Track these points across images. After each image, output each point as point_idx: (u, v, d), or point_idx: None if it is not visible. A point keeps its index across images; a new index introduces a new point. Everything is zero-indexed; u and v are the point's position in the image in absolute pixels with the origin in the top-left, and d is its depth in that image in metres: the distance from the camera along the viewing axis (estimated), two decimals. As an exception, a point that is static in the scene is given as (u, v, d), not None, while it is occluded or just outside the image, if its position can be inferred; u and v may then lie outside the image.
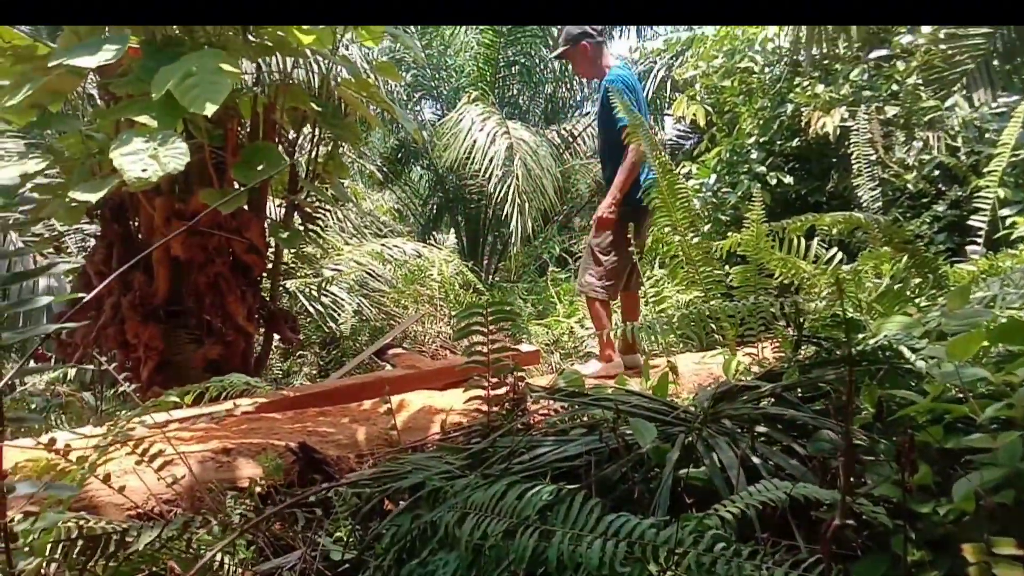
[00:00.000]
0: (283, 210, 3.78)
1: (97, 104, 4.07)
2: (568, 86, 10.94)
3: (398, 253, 6.85)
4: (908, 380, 1.62)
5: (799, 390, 1.75)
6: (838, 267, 1.89)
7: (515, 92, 9.97)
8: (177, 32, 3.30)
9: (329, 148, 3.83)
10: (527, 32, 8.97)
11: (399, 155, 10.21)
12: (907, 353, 1.55)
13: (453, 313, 6.38)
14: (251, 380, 1.77)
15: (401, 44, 8.95)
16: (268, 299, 3.83)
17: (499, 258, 9.17)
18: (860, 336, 1.63)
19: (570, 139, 9.76)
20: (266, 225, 3.55)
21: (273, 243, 3.69)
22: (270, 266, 3.82)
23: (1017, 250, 4.30)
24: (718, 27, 6.04)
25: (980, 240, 4.49)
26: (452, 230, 10.52)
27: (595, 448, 1.63)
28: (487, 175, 6.87)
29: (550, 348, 6.28)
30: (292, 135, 3.89)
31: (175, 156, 2.67)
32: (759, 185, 5.33)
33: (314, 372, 6.20)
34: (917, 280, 2.23)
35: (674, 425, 1.73)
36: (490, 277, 8.78)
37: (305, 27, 3.04)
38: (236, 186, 3.21)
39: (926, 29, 5.35)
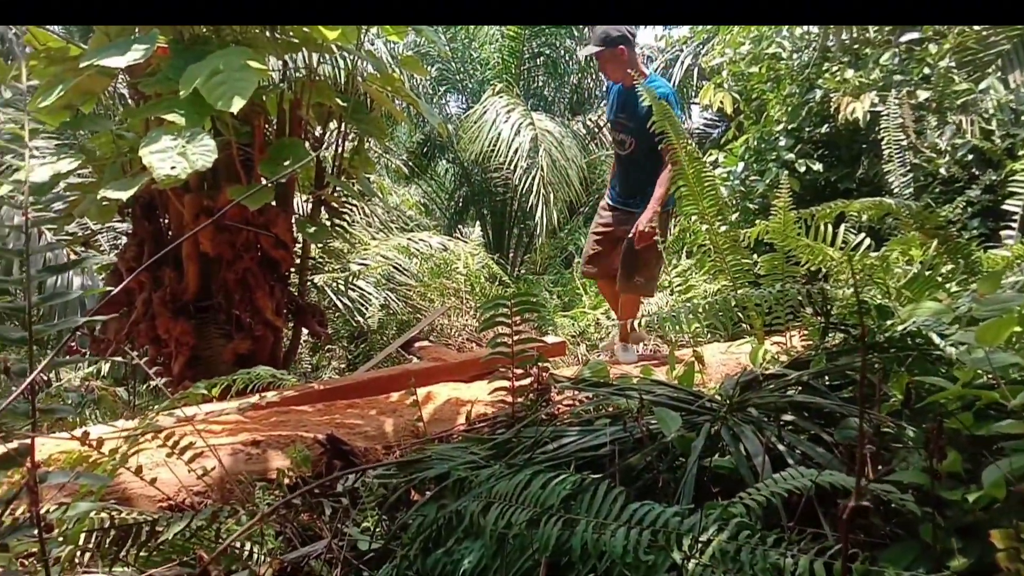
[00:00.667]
0: (310, 205, 3.81)
1: (128, 103, 4.13)
2: (594, 77, 10.89)
3: (424, 247, 6.89)
4: (938, 367, 1.59)
5: (827, 378, 1.73)
6: (866, 253, 1.86)
7: (540, 84, 9.95)
8: (204, 31, 3.34)
9: (355, 143, 3.85)
10: (551, 23, 8.94)
11: (425, 149, 10.25)
12: (936, 339, 1.52)
13: (478, 305, 6.40)
14: (277, 373, 1.79)
15: (426, 39, 8.99)
16: (296, 294, 3.87)
17: (525, 251, 9.17)
18: (889, 323, 1.61)
19: (595, 130, 9.73)
20: (293, 221, 3.58)
21: (301, 238, 3.72)
22: (298, 261, 3.86)
23: (1054, 234, 4.20)
24: (743, 14, 5.95)
25: (1015, 225, 4.39)
26: (478, 223, 10.54)
27: (619, 438, 1.63)
28: (512, 167, 6.87)
29: (576, 340, 6.28)
30: (318, 131, 3.92)
31: (203, 153, 2.71)
32: (787, 172, 5.27)
33: (343, 366, 6.26)
34: (948, 266, 2.19)
35: (699, 414, 1.72)
36: (516, 270, 8.78)
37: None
38: (263, 182, 3.24)
39: (958, 10, 5.24)
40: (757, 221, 3.33)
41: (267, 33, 3.35)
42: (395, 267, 6.54)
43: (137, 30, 3.12)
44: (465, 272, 6.81)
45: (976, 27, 5.15)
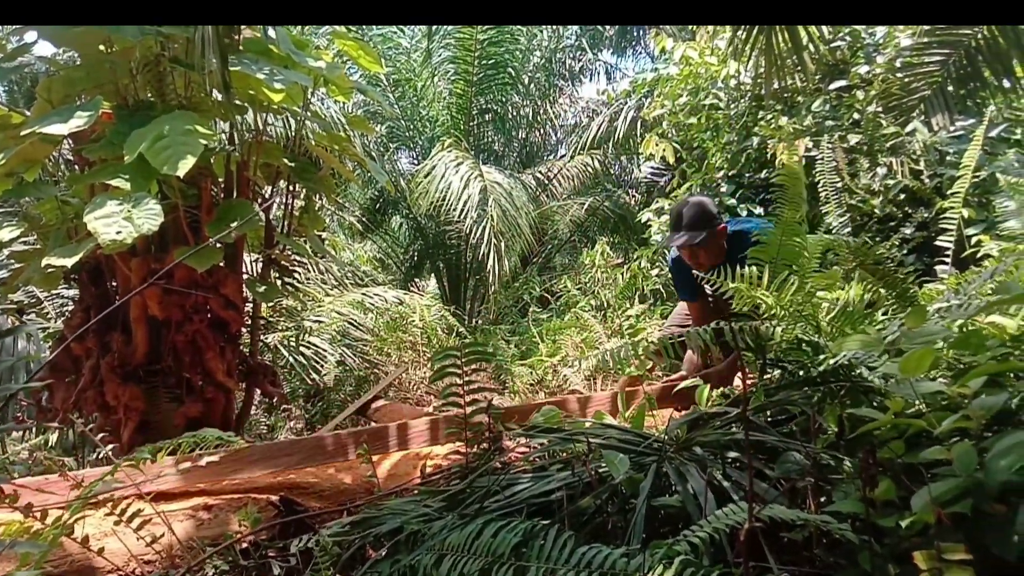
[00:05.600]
0: (260, 265, 3.81)
1: (73, 169, 4.11)
2: (541, 131, 11.16)
3: (379, 301, 6.88)
4: (871, 398, 1.66)
5: (768, 413, 1.78)
6: (794, 290, 1.94)
7: (489, 139, 10.14)
8: (149, 96, 3.37)
9: (304, 202, 3.88)
10: (497, 80, 9.16)
11: (378, 206, 10.32)
12: (866, 372, 1.59)
13: (431, 357, 6.40)
14: (224, 435, 1.78)
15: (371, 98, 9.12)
16: (248, 354, 3.83)
17: (481, 301, 9.22)
18: (821, 357, 1.67)
19: (546, 181, 9.91)
20: (243, 281, 3.57)
21: (251, 298, 3.71)
22: (249, 321, 3.83)
23: (983, 267, 4.39)
24: (682, 67, 6.19)
25: (948, 259, 4.58)
26: (433, 276, 10.58)
27: (570, 482, 1.65)
28: (463, 218, 6.96)
29: (535, 388, 6.30)
30: (267, 191, 3.94)
31: (148, 217, 2.71)
32: (727, 217, 5.43)
33: (300, 425, 6.17)
34: (872, 297, 2.30)
35: (647, 455, 1.75)
36: (473, 321, 8.81)
37: (276, 85, 3.11)
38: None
39: (881, 59, 5.53)
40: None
41: (214, 96, 3.39)
42: (350, 323, 6.51)
43: (79, 98, 3.13)
44: (421, 325, 6.81)
45: (899, 74, 5.43)
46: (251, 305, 3.81)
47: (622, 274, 7.74)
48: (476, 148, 9.87)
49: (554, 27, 9.87)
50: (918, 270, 5.02)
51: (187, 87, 3.41)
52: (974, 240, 4.79)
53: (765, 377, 1.83)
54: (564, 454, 1.98)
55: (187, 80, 3.38)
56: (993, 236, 4.74)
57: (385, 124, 9.77)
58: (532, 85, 9.91)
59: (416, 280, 11.14)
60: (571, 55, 10.23)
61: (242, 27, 3.49)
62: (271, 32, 3.43)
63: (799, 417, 1.66)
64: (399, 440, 2.50)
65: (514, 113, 9.96)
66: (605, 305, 7.36)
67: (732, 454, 1.69)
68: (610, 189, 10.34)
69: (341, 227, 10.66)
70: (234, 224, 2.96)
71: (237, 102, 3.42)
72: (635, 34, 10.78)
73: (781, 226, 2.49)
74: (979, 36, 4.30)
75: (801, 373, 1.75)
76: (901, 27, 5.75)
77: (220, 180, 3.58)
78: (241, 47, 3.37)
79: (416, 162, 10.05)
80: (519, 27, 9.39)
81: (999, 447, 1.21)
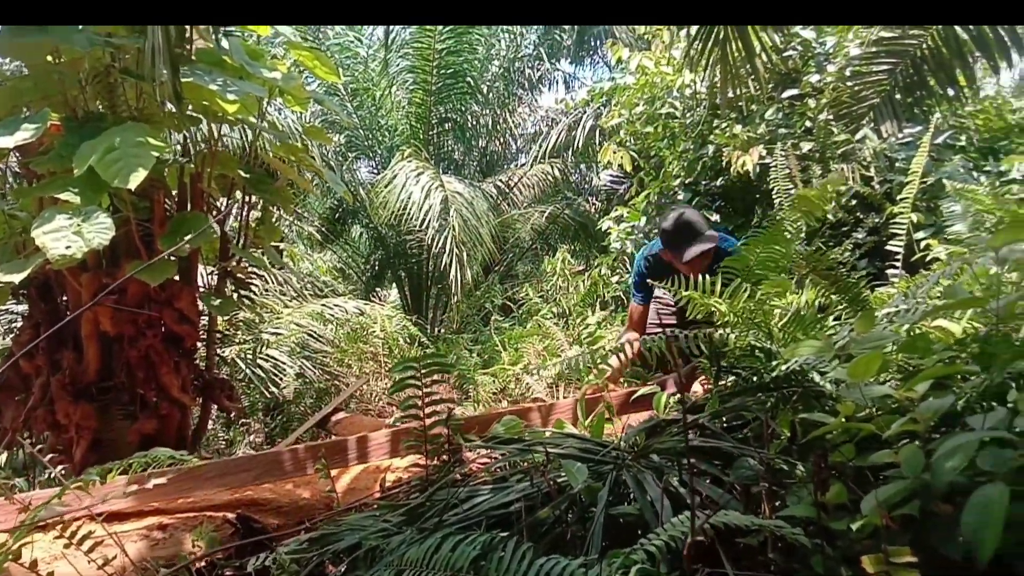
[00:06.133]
0: (215, 278, 3.75)
1: (20, 183, 4.01)
2: (501, 140, 11.19)
3: (339, 312, 6.81)
4: (823, 402, 1.69)
5: (724, 419, 1.81)
6: (745, 298, 1.97)
7: (449, 148, 10.13)
8: (99, 108, 3.30)
9: (260, 213, 3.83)
10: (456, 90, 9.16)
11: (337, 215, 10.24)
12: (817, 377, 1.62)
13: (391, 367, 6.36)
14: (176, 454, 1.75)
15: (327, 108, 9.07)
16: (204, 369, 3.77)
17: (443, 310, 9.19)
18: (774, 363, 1.70)
19: (506, 190, 9.93)
20: (198, 294, 3.51)
21: (207, 311, 3.65)
22: (204, 335, 3.77)
23: (932, 270, 4.51)
24: (638, 76, 6.26)
25: (899, 263, 4.70)
26: (395, 285, 10.53)
27: (529, 493, 1.65)
28: (425, 228, 6.93)
29: (498, 396, 6.29)
30: (222, 202, 3.88)
31: (99, 231, 2.65)
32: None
33: (259, 440, 6.08)
34: (824, 302, 2.35)
35: (606, 463, 1.76)
36: (435, 330, 8.78)
37: (229, 97, 3.07)
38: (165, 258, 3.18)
39: (832, 68, 5.65)
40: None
41: (166, 107, 3.33)
42: (310, 334, 6.44)
43: (26, 109, 3.06)
44: (383, 335, 6.76)
45: (849, 83, 5.56)
46: (207, 319, 3.75)
47: (583, 281, 7.78)
48: (436, 157, 9.86)
49: (512, 37, 9.93)
50: (870, 274, 5.13)
51: (139, 98, 3.35)
52: (923, 244, 4.92)
53: (720, 383, 1.85)
54: (524, 464, 1.98)
55: (139, 91, 3.32)
56: (941, 240, 4.88)
57: (344, 133, 9.70)
58: (491, 94, 9.95)
59: (378, 289, 11.07)
60: (529, 64, 10.28)
61: (194, 37, 3.44)
62: (224, 43, 3.38)
63: (753, 423, 1.69)
64: (359, 453, 2.48)
65: (473, 122, 9.98)
66: (567, 312, 7.39)
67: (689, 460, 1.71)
68: (570, 197, 10.41)
69: (300, 237, 10.56)
70: (188, 237, 2.91)
71: (191, 113, 3.37)
72: (592, 44, 10.88)
73: (768, 236, 2.52)
74: (924, 46, 4.43)
75: (755, 379, 1.78)
76: (851, 36, 5.89)
77: (173, 192, 3.52)
78: (194, 57, 3.32)
79: (376, 171, 10.01)
80: (477, 37, 9.41)
81: (944, 448, 1.24)
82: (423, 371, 2.06)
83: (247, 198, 3.70)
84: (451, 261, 6.53)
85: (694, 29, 3.92)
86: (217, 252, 3.72)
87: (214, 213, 3.74)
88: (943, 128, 5.71)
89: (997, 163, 5.80)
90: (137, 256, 3.21)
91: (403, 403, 2.06)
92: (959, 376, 1.55)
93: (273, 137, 3.83)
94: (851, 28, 5.96)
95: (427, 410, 2.05)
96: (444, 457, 2.00)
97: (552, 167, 9.59)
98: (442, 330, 8.72)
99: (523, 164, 11.09)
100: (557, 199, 10.35)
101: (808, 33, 5.74)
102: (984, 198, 4.48)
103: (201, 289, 3.68)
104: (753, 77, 4.56)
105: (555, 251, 9.40)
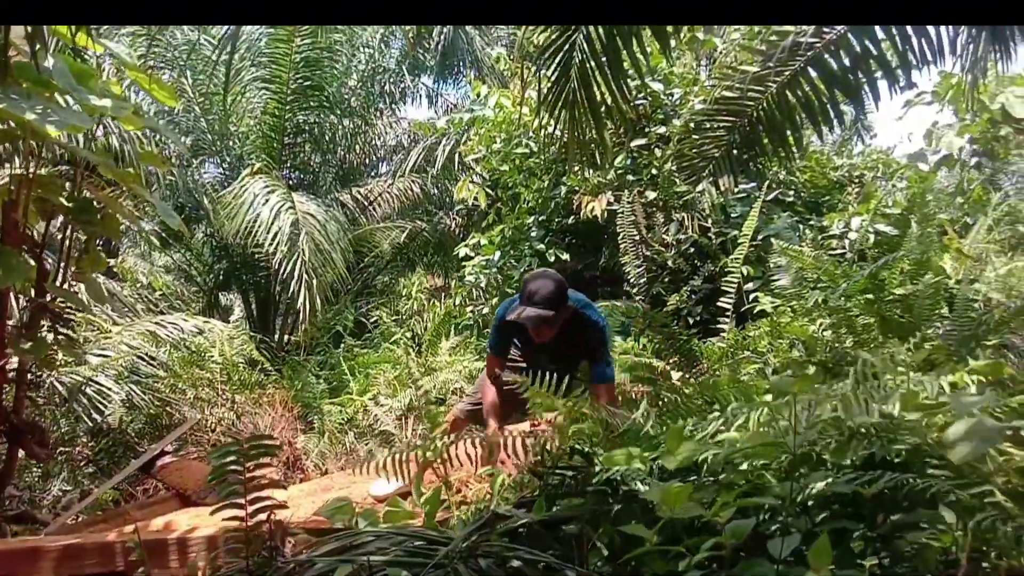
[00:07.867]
0: (27, 315, 3.41)
1: None
2: (361, 150, 10.96)
3: (175, 332, 6.37)
4: (645, 510, 1.76)
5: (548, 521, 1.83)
6: (585, 404, 2.02)
7: (305, 157, 9.79)
8: None
9: (84, 245, 3.53)
10: (314, 99, 8.87)
11: (182, 215, 9.60)
12: (638, 486, 1.69)
13: (236, 398, 6.06)
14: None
15: (179, 107, 8.58)
16: (12, 411, 3.42)
17: (291, 330, 8.86)
18: (597, 469, 1.76)
19: (365, 203, 9.71)
20: (5, 335, 3.18)
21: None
22: (13, 375, 3.42)
23: (759, 324, 4.85)
24: (496, 111, 6.33)
25: (729, 315, 5.02)
26: (239, 301, 10.04)
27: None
28: (273, 251, 6.65)
29: (344, 427, 6.14)
30: (41, 226, 3.54)
31: None
32: (539, 261, 5.62)
33: (83, 474, 5.60)
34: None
35: (436, 567, 1.74)
36: (283, 349, 8.44)
37: (50, 129, 2.80)
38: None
39: (678, 121, 5.96)
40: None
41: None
42: (140, 357, 6.00)
43: None
44: (221, 360, 6.42)
45: (694, 136, 5.88)
46: (17, 360, 3.41)
47: (440, 300, 7.78)
48: (292, 166, 9.51)
49: (371, 53, 9.81)
50: (704, 320, 5.46)
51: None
52: (752, 297, 5.29)
53: (549, 483, 1.89)
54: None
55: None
56: (766, 292, 5.25)
57: (191, 136, 9.16)
58: (350, 106, 9.72)
59: (224, 292, 10.54)
60: (391, 79, 10.14)
61: (10, 50, 3.13)
62: (49, 62, 3.09)
63: (576, 530, 1.73)
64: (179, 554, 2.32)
65: (331, 132, 9.70)
66: (420, 337, 7.34)
67: (515, 564, 1.73)
68: (432, 211, 10.36)
69: (140, 237, 9.87)
70: (-5, 280, 2.63)
71: (12, 128, 3.04)
72: (455, 63, 10.90)
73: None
74: (760, 108, 4.78)
75: (581, 479, 1.83)
76: (696, 90, 6.22)
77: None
78: (12, 74, 3.01)
79: (225, 173, 9.50)
80: (339, 44, 9.18)
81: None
82: (247, 456, 1.96)
83: (68, 231, 3.40)
84: (300, 288, 6.29)
85: (545, 86, 4.00)
86: (33, 283, 3.38)
87: (31, 243, 3.41)
88: (774, 185, 6.15)
89: (820, 218, 6.32)
90: (-69, 297, 2.87)
91: (221, 491, 1.95)
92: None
93: (102, 162, 3.53)
94: (696, 82, 6.30)
95: (250, 501, 1.95)
96: (264, 552, 1.90)
97: (413, 183, 9.52)
98: (289, 350, 8.40)
99: (384, 174, 10.93)
100: (418, 213, 10.26)
101: (657, 85, 6.02)
102: (805, 258, 4.85)
103: (11, 326, 3.34)
104: (599, 142, 4.76)
105: (415, 266, 9.31)
